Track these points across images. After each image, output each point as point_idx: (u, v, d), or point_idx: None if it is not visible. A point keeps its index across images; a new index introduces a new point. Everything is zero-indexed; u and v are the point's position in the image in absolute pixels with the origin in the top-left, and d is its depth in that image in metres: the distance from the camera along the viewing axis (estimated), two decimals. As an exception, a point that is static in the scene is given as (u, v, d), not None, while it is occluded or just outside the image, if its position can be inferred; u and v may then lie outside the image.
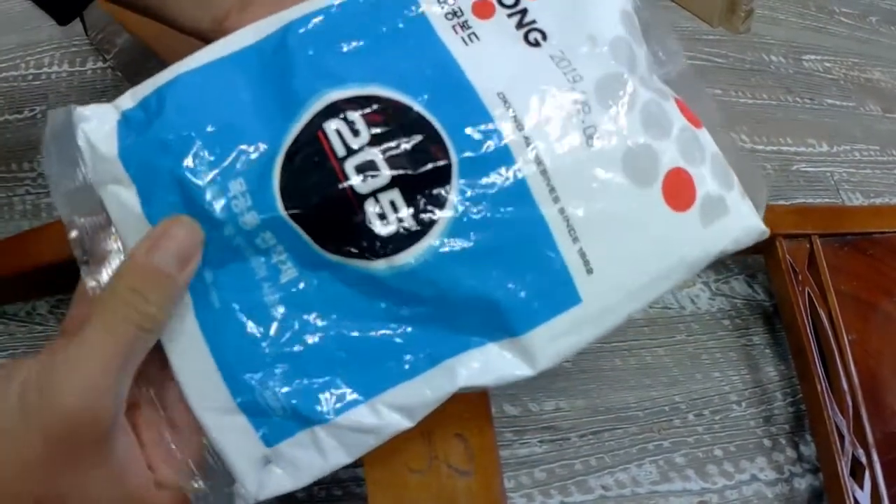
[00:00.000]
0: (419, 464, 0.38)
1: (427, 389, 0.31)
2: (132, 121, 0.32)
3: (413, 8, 0.33)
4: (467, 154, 0.31)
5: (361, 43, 0.32)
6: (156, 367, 0.31)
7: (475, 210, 0.31)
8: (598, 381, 0.66)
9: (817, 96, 0.95)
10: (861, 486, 0.60)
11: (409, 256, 0.30)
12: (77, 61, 0.72)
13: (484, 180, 0.31)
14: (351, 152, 0.30)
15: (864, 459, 0.60)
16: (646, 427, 0.65)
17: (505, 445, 0.61)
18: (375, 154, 0.30)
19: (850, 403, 0.62)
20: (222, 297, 0.31)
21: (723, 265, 0.75)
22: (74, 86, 0.71)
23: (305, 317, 0.31)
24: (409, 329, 0.32)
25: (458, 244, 0.30)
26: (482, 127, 0.31)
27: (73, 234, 0.31)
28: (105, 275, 0.31)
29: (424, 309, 0.31)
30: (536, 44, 0.33)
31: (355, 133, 0.30)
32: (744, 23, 0.69)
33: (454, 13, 0.33)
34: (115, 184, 0.31)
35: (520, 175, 0.31)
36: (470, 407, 0.39)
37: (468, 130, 0.31)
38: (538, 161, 0.31)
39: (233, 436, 0.31)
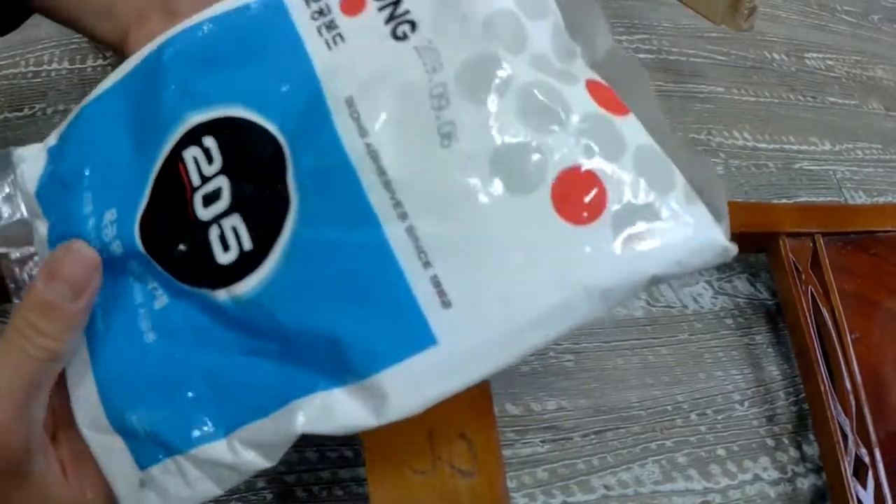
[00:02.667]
0: (422, 464, 0.38)
1: (273, 430, 0.28)
2: (51, 157, 0.33)
3: (280, 13, 0.30)
4: (306, 171, 0.28)
5: (228, 59, 0.30)
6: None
7: (313, 234, 0.27)
8: (600, 380, 0.66)
9: (819, 94, 0.95)
10: (864, 486, 0.59)
11: (246, 286, 0.28)
12: (77, 59, 0.72)
13: (323, 199, 0.27)
14: (204, 180, 0.29)
15: (867, 459, 0.60)
16: (648, 427, 0.65)
17: (507, 445, 0.60)
18: (224, 180, 0.29)
19: (853, 403, 0.62)
20: (106, 320, 0.31)
21: (725, 264, 0.75)
22: (74, 83, 0.70)
23: (173, 344, 0.30)
24: (264, 364, 0.29)
25: (294, 272, 0.27)
26: (324, 140, 0.28)
27: (6, 265, 0.32)
28: None
29: (273, 344, 0.28)
30: (404, 37, 0.29)
31: (210, 160, 0.29)
32: (746, 20, 0.69)
33: (321, 12, 0.30)
34: (37, 219, 0.32)
35: (360, 190, 0.27)
36: (473, 407, 0.38)
37: (310, 145, 0.28)
38: (380, 172, 0.27)
39: (112, 456, 0.31)
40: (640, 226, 0.27)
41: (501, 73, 0.27)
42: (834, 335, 0.64)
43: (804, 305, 0.66)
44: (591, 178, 0.27)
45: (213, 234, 0.28)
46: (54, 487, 0.30)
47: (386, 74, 0.28)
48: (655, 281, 0.27)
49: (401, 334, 0.26)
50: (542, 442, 0.62)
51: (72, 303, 0.29)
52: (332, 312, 0.27)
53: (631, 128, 0.28)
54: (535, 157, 0.27)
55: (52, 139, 0.34)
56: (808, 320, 0.65)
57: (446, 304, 0.26)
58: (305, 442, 0.31)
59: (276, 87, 0.29)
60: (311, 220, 0.27)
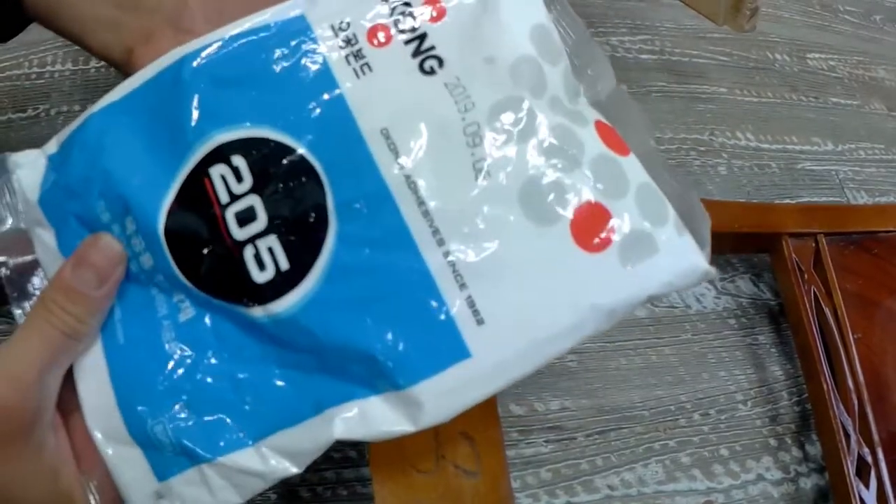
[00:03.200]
0: (426, 464, 0.38)
1: (306, 437, 0.30)
2: (53, 165, 0.33)
3: (307, 38, 0.31)
4: (345, 197, 0.29)
5: (253, 79, 0.31)
6: None
7: (353, 256, 0.29)
8: (603, 380, 0.66)
9: (822, 95, 0.95)
10: (867, 486, 0.59)
11: (283, 304, 0.29)
12: (80, 60, 0.72)
13: (363, 224, 0.29)
14: (234, 198, 0.29)
15: (869, 459, 0.60)
16: (651, 427, 0.65)
17: (511, 445, 0.60)
18: (256, 200, 0.29)
19: (855, 402, 0.62)
20: (126, 332, 0.31)
21: (728, 264, 0.75)
22: (77, 84, 0.70)
23: (199, 356, 0.31)
24: (296, 374, 0.30)
25: (334, 292, 0.29)
26: (361, 167, 0.29)
27: (4, 272, 0.32)
28: None
29: (308, 357, 0.30)
30: (431, 72, 0.30)
31: (239, 178, 0.29)
32: (749, 21, 0.69)
33: (348, 41, 0.31)
34: (39, 227, 0.32)
35: (399, 217, 0.29)
36: (477, 407, 0.38)
37: (347, 171, 0.29)
38: (420, 202, 0.29)
39: (128, 467, 0.31)
40: (641, 253, 0.30)
41: (528, 116, 0.30)
42: (836, 335, 0.64)
43: (807, 305, 0.66)
44: (603, 212, 0.30)
45: (248, 253, 0.29)
46: (62, 468, 0.30)
47: (419, 108, 0.30)
48: (650, 299, 0.31)
49: (438, 349, 0.29)
50: (545, 442, 0.62)
51: (95, 290, 0.30)
52: (371, 330, 0.29)
53: (632, 167, 0.32)
54: (557, 192, 0.30)
55: (51, 146, 0.33)
56: (811, 320, 0.65)
57: (480, 321, 0.29)
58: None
59: (305, 112, 0.30)
60: (350, 244, 0.29)
